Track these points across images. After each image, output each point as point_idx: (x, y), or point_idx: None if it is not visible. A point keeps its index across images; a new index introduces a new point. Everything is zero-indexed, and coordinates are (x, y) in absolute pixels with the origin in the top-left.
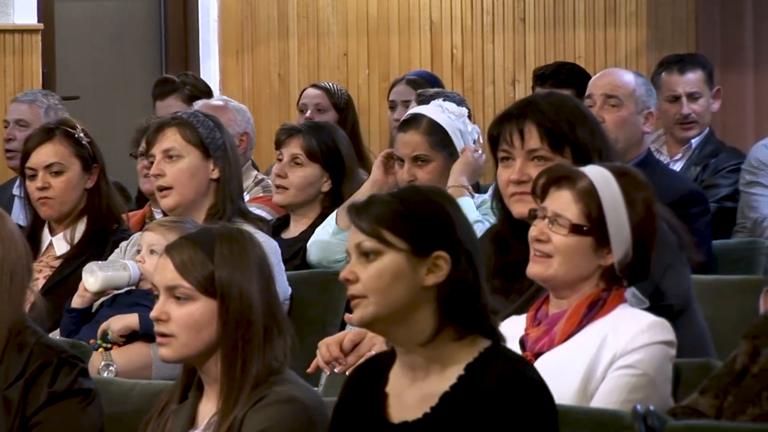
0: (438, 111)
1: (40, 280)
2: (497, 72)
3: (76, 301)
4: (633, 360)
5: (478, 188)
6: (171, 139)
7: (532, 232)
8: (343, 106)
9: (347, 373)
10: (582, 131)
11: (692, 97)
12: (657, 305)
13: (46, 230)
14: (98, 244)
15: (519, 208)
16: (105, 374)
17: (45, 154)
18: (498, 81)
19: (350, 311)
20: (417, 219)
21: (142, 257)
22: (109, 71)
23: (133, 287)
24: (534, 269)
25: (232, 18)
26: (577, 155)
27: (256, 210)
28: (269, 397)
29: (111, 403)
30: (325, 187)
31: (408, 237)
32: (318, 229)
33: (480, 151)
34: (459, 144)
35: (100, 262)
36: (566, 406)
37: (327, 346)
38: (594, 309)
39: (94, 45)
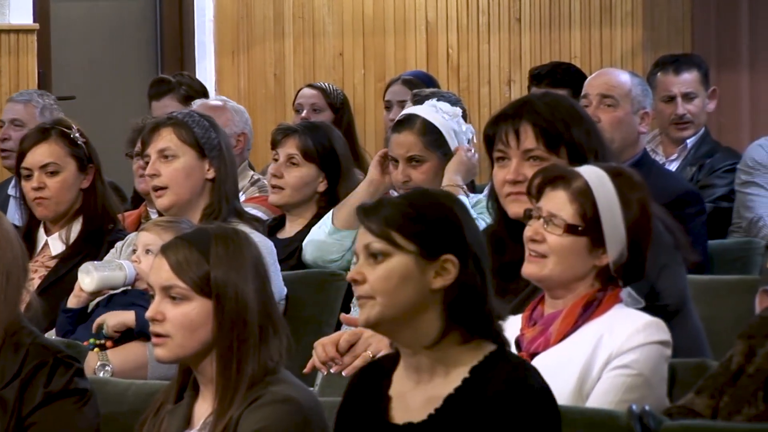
0: (432, 111)
1: (35, 280)
2: (493, 72)
3: (72, 301)
4: (628, 360)
5: (473, 188)
6: (166, 139)
7: (527, 232)
8: (338, 106)
9: (343, 373)
10: (577, 131)
11: (687, 97)
12: (652, 305)
13: (41, 230)
14: (94, 244)
15: (515, 208)
16: (101, 374)
17: (40, 154)
18: (494, 81)
19: (346, 311)
20: (426, 222)
21: (137, 257)
22: (104, 71)
23: (129, 287)
24: (529, 269)
25: (228, 18)
26: (573, 155)
27: (251, 210)
28: (265, 397)
29: (107, 403)
30: (321, 187)
31: (417, 239)
32: (313, 229)
33: (473, 151)
34: (453, 144)
35: (96, 262)
36: (562, 407)
37: (323, 346)
38: (589, 309)
39: (90, 45)
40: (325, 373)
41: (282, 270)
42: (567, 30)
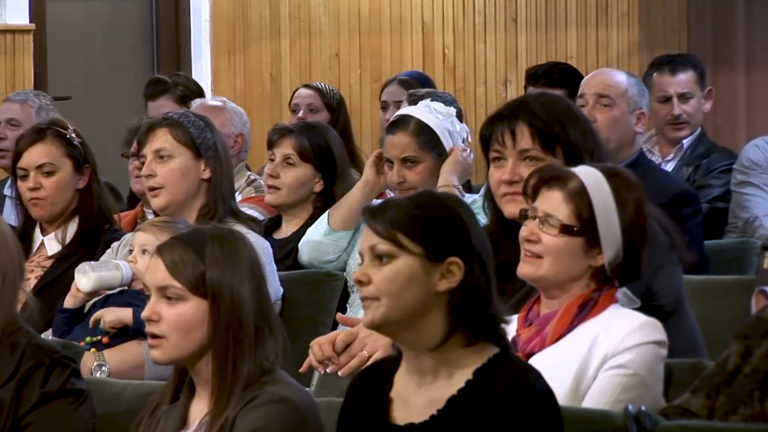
0: (426, 112)
1: (31, 280)
2: (489, 72)
3: (69, 302)
4: (624, 360)
5: (469, 188)
6: (162, 139)
7: (523, 232)
8: (335, 106)
9: (339, 373)
10: (573, 131)
11: (683, 97)
12: (648, 305)
13: (37, 230)
14: (90, 244)
15: (510, 209)
16: (98, 374)
17: (36, 155)
18: (490, 81)
19: (342, 311)
20: (433, 224)
21: (134, 257)
22: (100, 71)
23: (126, 288)
24: (524, 269)
25: (224, 18)
26: (569, 155)
27: (247, 210)
28: (261, 397)
29: (103, 404)
30: (317, 187)
31: (423, 242)
32: (309, 230)
33: (468, 150)
34: (448, 144)
35: (92, 262)
36: None
37: (319, 346)
38: (585, 309)
39: (86, 45)
40: (322, 372)
41: (278, 270)
42: (563, 30)
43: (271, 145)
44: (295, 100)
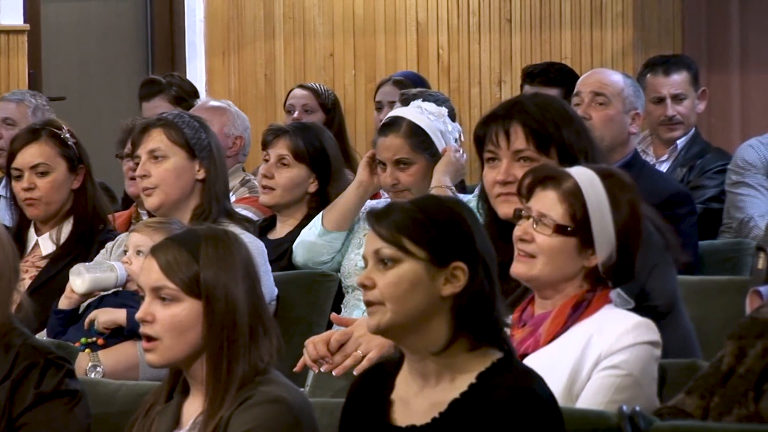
0: (417, 113)
1: (25, 280)
2: (483, 72)
3: (63, 303)
4: (618, 360)
5: (464, 188)
6: (156, 139)
7: (517, 231)
8: (330, 106)
9: (333, 373)
10: (568, 132)
11: (677, 98)
12: (643, 306)
13: (32, 230)
14: (84, 244)
15: (505, 209)
16: (92, 375)
17: (31, 155)
18: (484, 81)
19: (337, 312)
20: (437, 228)
21: (128, 258)
22: (95, 72)
23: (120, 289)
24: (518, 269)
25: (219, 18)
26: (563, 156)
27: (242, 210)
28: (255, 397)
29: (97, 404)
30: (312, 187)
31: (428, 246)
32: (304, 230)
33: (461, 151)
34: (440, 144)
35: (87, 263)
36: None
37: (314, 345)
38: (579, 310)
39: (81, 46)
40: (316, 371)
41: (273, 271)
42: (558, 31)
43: (265, 145)
44: (290, 101)
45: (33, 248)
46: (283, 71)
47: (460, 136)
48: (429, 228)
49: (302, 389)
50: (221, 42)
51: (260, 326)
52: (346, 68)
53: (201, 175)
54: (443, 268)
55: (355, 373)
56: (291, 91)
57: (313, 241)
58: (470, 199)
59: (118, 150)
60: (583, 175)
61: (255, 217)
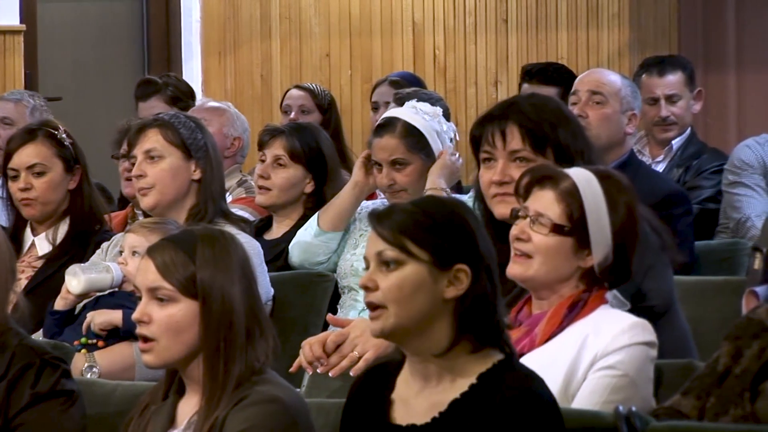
0: (412, 113)
1: (22, 281)
2: (479, 73)
3: (59, 303)
4: (614, 361)
5: (460, 189)
6: (152, 140)
7: (513, 231)
8: (326, 107)
9: (330, 374)
10: (564, 132)
11: (671, 99)
12: (639, 306)
13: (28, 230)
14: (80, 244)
15: (501, 209)
16: (88, 375)
17: (27, 155)
18: (480, 82)
19: (333, 312)
20: (440, 231)
21: (124, 259)
22: (91, 72)
23: (116, 289)
24: (514, 269)
25: (215, 19)
26: (559, 156)
27: (238, 211)
28: (251, 397)
29: (93, 405)
30: (308, 188)
31: (431, 248)
32: (300, 231)
33: (457, 155)
34: (435, 144)
35: (83, 264)
36: None
37: (310, 346)
38: (575, 310)
39: (77, 46)
40: (312, 372)
41: (269, 271)
42: (554, 31)
43: (261, 145)
44: (286, 101)
45: (29, 248)
46: (279, 71)
47: (455, 135)
48: (432, 230)
49: (298, 389)
50: (217, 42)
51: (257, 326)
52: (343, 69)
53: (197, 175)
54: (446, 271)
55: (351, 374)
56: (287, 91)
57: (309, 241)
58: (465, 200)
59: (114, 150)
60: (580, 175)
61: (251, 218)
